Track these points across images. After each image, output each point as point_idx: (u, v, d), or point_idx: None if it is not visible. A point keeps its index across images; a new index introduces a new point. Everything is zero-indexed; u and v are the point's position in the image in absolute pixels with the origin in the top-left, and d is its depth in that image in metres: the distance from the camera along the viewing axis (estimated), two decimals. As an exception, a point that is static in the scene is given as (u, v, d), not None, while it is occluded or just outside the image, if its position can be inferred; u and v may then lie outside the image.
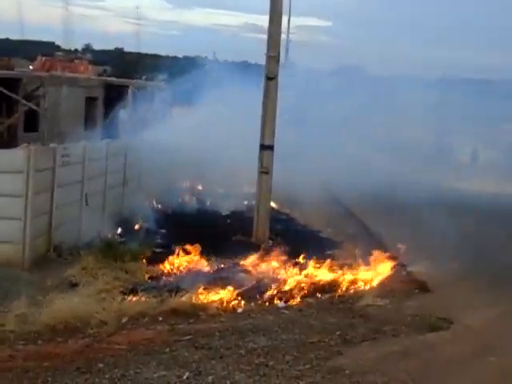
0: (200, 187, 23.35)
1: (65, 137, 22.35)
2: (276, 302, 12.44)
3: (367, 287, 13.44)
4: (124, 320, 10.98)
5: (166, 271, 14.14)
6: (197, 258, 14.70)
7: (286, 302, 12.46)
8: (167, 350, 9.79)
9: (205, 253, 14.89)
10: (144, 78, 36.17)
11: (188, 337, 10.31)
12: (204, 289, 12.54)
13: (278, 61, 17.48)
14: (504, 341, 10.86)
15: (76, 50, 59.39)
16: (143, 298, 12.03)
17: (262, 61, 17.69)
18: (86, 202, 16.00)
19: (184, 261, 14.57)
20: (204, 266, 14.46)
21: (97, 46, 74.32)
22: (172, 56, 61.71)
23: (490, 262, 15.02)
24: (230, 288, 12.76)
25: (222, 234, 16.97)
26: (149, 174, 20.04)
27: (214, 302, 12.12)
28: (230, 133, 21.21)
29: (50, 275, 13.18)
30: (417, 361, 9.87)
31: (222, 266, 14.55)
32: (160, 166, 19.35)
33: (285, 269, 14.14)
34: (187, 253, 14.78)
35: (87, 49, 69.73)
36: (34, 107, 27.35)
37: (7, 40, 64.79)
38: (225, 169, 21.46)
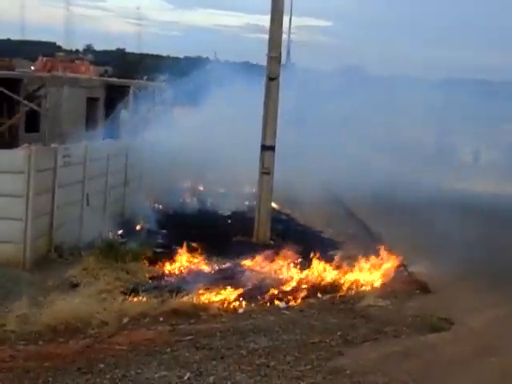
0: (201, 187, 23.36)
1: (66, 137, 22.38)
2: (277, 302, 12.44)
3: (368, 288, 13.43)
4: (125, 320, 10.98)
5: (166, 271, 14.14)
6: (197, 258, 14.71)
7: (287, 302, 12.46)
8: (168, 350, 9.79)
9: (205, 253, 14.89)
10: (145, 78, 36.19)
11: (189, 337, 10.31)
12: (205, 289, 12.54)
13: (279, 61, 17.48)
14: (504, 341, 10.86)
15: (77, 51, 59.47)
16: (144, 299, 12.03)
17: (264, 61, 17.71)
18: (87, 203, 16.00)
19: (185, 261, 14.58)
20: (205, 266, 14.47)
21: (98, 47, 74.52)
22: (173, 56, 61.73)
23: (491, 262, 15.01)
24: (231, 288, 12.77)
25: (222, 234, 16.98)
26: (150, 174, 20.05)
27: (215, 302, 12.12)
28: (231, 133, 21.22)
29: (51, 275, 13.19)
30: (418, 361, 9.87)
31: (223, 266, 14.55)
32: (161, 167, 19.36)
33: (286, 269, 14.13)
34: (188, 253, 14.78)
35: (88, 49, 69.82)
36: (35, 108, 27.36)
37: (8, 40, 64.91)
38: (226, 169, 21.49)
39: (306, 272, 14.03)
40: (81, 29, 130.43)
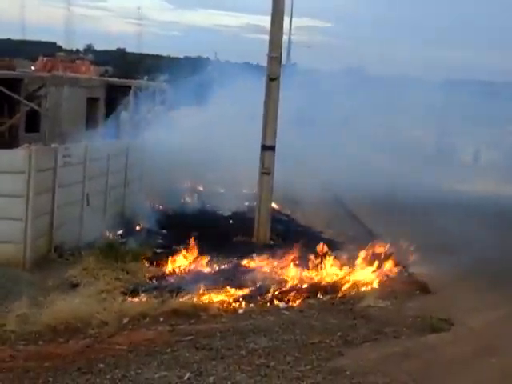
0: (201, 188, 23.35)
1: (66, 137, 22.41)
2: (277, 302, 12.43)
3: (368, 288, 13.43)
4: (125, 320, 10.97)
5: (166, 272, 14.14)
6: (198, 258, 14.70)
7: (286, 302, 12.45)
8: (168, 350, 9.79)
9: (206, 253, 14.88)
10: (145, 78, 36.21)
11: (189, 337, 10.31)
12: (205, 289, 12.54)
13: (279, 62, 17.48)
14: (504, 341, 10.87)
15: (77, 51, 59.60)
16: (144, 299, 12.03)
17: (264, 62, 17.71)
18: (88, 203, 16.00)
19: (185, 261, 14.57)
20: (205, 266, 14.46)
21: (98, 47, 74.59)
22: (173, 56, 61.78)
23: (491, 262, 15.01)
24: (231, 288, 12.77)
25: (223, 234, 16.98)
26: (150, 174, 20.04)
27: (215, 302, 12.12)
28: (232, 133, 21.22)
29: (51, 275, 13.19)
30: (418, 362, 9.87)
31: (223, 266, 14.54)
32: (161, 167, 19.35)
33: (286, 269, 14.12)
34: (188, 253, 14.78)
35: (89, 49, 69.90)
36: (36, 107, 27.42)
37: (9, 40, 64.93)
38: (226, 169, 21.48)
39: (305, 272, 14.02)
40: (81, 29, 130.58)
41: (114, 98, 29.88)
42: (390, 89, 28.99)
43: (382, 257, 14.65)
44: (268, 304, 12.38)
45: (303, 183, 21.99)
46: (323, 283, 13.54)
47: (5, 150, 15.83)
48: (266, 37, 17.38)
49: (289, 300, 12.54)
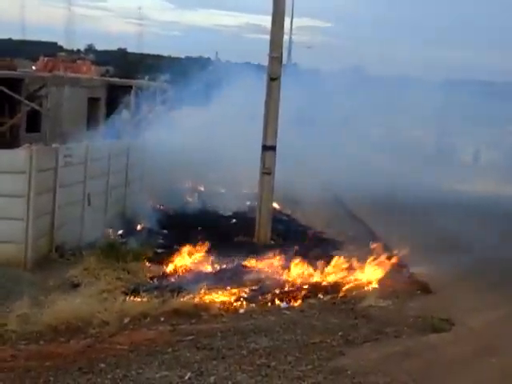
0: (202, 188, 23.37)
1: (67, 137, 22.41)
2: (278, 302, 12.44)
3: (369, 288, 13.43)
4: (126, 320, 10.98)
5: (167, 271, 14.16)
6: (198, 258, 14.71)
7: (287, 302, 12.46)
8: (169, 350, 9.80)
9: (206, 253, 14.89)
10: (146, 78, 36.21)
11: (190, 337, 10.31)
12: (206, 289, 12.55)
13: (280, 61, 17.49)
14: (504, 341, 10.86)
15: (78, 51, 59.61)
16: (145, 299, 12.04)
17: (265, 61, 17.73)
18: (89, 203, 16.02)
19: (186, 261, 14.58)
20: (205, 266, 14.47)
21: (99, 47, 74.57)
22: (174, 56, 61.76)
23: (491, 262, 15.02)
24: (232, 289, 12.78)
25: (223, 234, 17.00)
26: (151, 174, 20.06)
27: (216, 302, 12.13)
28: (232, 133, 21.24)
29: (52, 275, 13.20)
30: (419, 361, 9.87)
31: (224, 266, 14.55)
32: (162, 167, 19.37)
33: (286, 269, 14.13)
34: (189, 253, 14.79)
35: (90, 49, 69.89)
36: (37, 107, 27.43)
37: (9, 40, 64.92)
38: (227, 169, 21.50)
39: (306, 272, 14.02)
40: (82, 29, 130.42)
41: (115, 97, 29.83)
42: (390, 89, 29.01)
43: (383, 257, 14.66)
44: (269, 304, 12.38)
45: (304, 183, 22.00)
46: (324, 283, 13.55)
47: (6, 149, 15.84)
48: (267, 37, 17.45)
49: (290, 300, 12.55)
